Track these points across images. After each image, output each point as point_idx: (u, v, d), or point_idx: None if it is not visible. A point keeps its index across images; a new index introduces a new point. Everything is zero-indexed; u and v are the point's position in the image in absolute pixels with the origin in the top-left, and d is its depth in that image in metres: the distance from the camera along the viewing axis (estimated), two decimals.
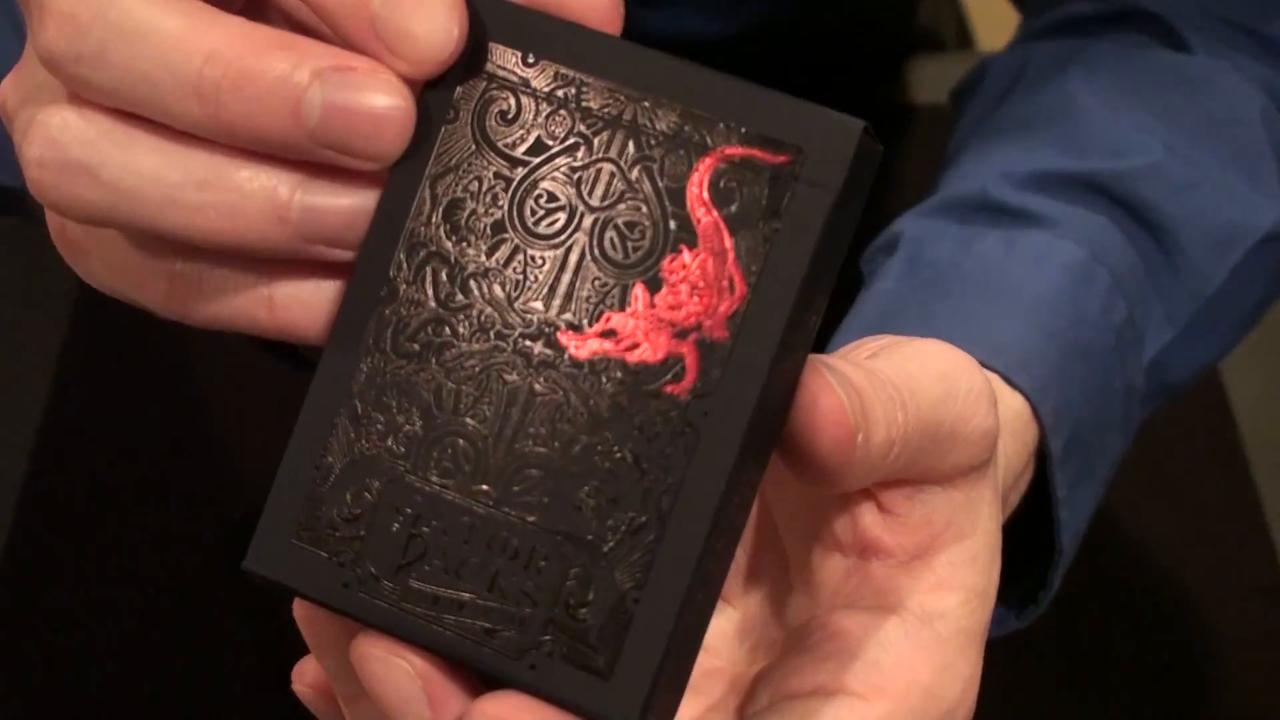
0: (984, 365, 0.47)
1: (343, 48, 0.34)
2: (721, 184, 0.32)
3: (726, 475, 0.32)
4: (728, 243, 0.32)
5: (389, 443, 0.33)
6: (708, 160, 0.32)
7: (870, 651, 0.37)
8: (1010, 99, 0.61)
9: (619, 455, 0.32)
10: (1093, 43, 0.61)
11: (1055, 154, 0.56)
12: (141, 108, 0.32)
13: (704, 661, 0.38)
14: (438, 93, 0.33)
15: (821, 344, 0.40)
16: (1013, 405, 0.48)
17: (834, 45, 0.80)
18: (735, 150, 0.32)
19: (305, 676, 0.37)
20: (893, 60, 0.85)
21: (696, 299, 0.32)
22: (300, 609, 0.35)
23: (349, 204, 0.33)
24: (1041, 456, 0.50)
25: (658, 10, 0.72)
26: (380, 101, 0.32)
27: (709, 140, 0.32)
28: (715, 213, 0.32)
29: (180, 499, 0.74)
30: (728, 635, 0.41)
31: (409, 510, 0.33)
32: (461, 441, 0.33)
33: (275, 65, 0.31)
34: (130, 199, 0.33)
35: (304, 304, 0.34)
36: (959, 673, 0.38)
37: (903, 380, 0.36)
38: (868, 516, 0.38)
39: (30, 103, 0.34)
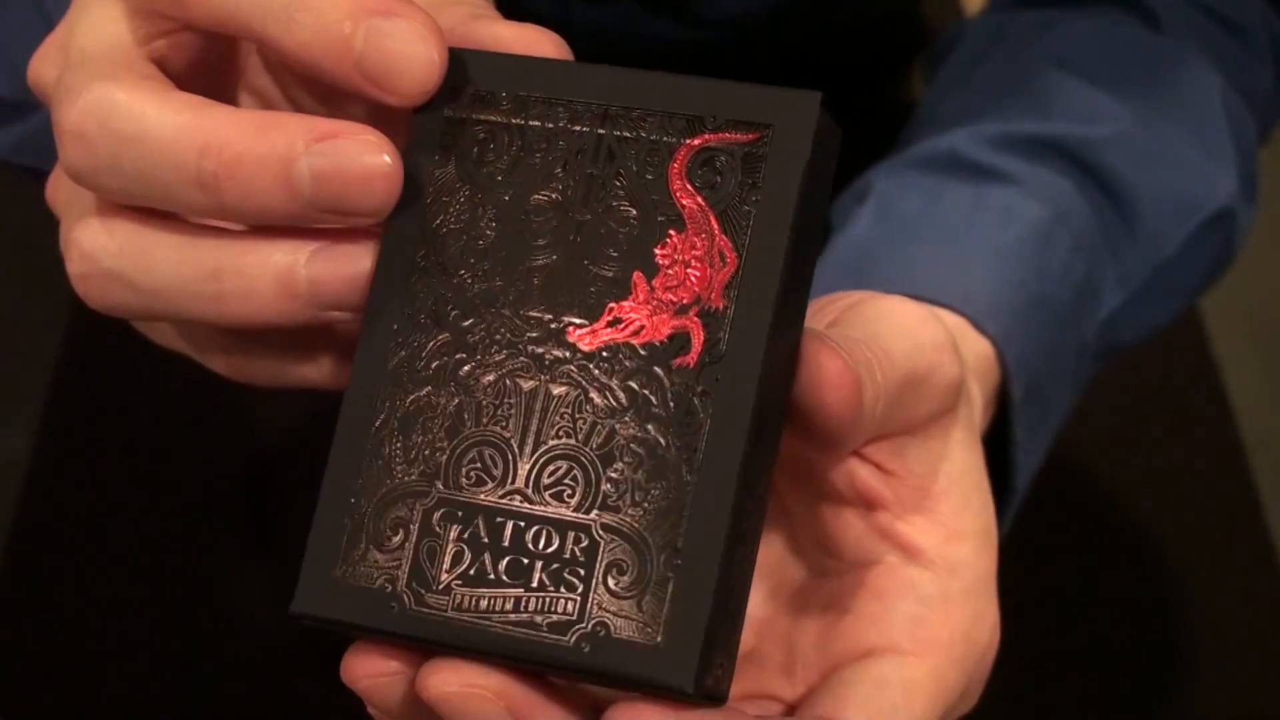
0: (953, 310, 0.50)
1: (331, 93, 0.37)
2: (699, 171, 0.34)
3: (745, 432, 0.33)
4: (713, 222, 0.34)
5: (418, 468, 0.35)
6: (683, 152, 0.34)
7: (912, 609, 0.40)
8: (986, 62, 0.62)
9: (640, 433, 0.34)
10: (1070, 15, 0.63)
11: (1025, 117, 0.58)
12: (157, 204, 0.35)
13: None
14: (420, 142, 0.36)
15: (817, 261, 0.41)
16: (978, 349, 0.50)
17: (835, 45, 0.80)
18: (707, 138, 0.34)
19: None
20: (894, 60, 0.85)
21: (692, 276, 0.34)
22: (361, 680, 0.35)
23: (351, 269, 0.35)
24: (1001, 401, 0.51)
25: None
26: (367, 160, 0.34)
27: (681, 135, 0.35)
28: (698, 197, 0.34)
29: (181, 498, 0.74)
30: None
31: (446, 525, 0.34)
32: (488, 450, 0.34)
33: (263, 147, 0.34)
34: (160, 298, 0.36)
35: (345, 359, 0.37)
36: (987, 617, 0.41)
37: (874, 341, 0.38)
38: (863, 471, 0.40)
39: (69, 212, 0.37)
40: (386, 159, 0.34)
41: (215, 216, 0.35)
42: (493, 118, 0.36)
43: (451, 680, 0.34)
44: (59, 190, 0.38)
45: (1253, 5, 0.64)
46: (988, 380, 0.50)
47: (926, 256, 0.52)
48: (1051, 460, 0.56)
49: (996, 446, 0.52)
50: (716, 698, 0.34)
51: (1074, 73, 0.60)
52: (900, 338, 0.39)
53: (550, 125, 0.35)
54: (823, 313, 0.42)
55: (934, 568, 0.40)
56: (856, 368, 0.37)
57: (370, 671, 0.35)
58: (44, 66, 0.38)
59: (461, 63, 0.36)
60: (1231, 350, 0.86)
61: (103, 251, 0.36)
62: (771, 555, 0.43)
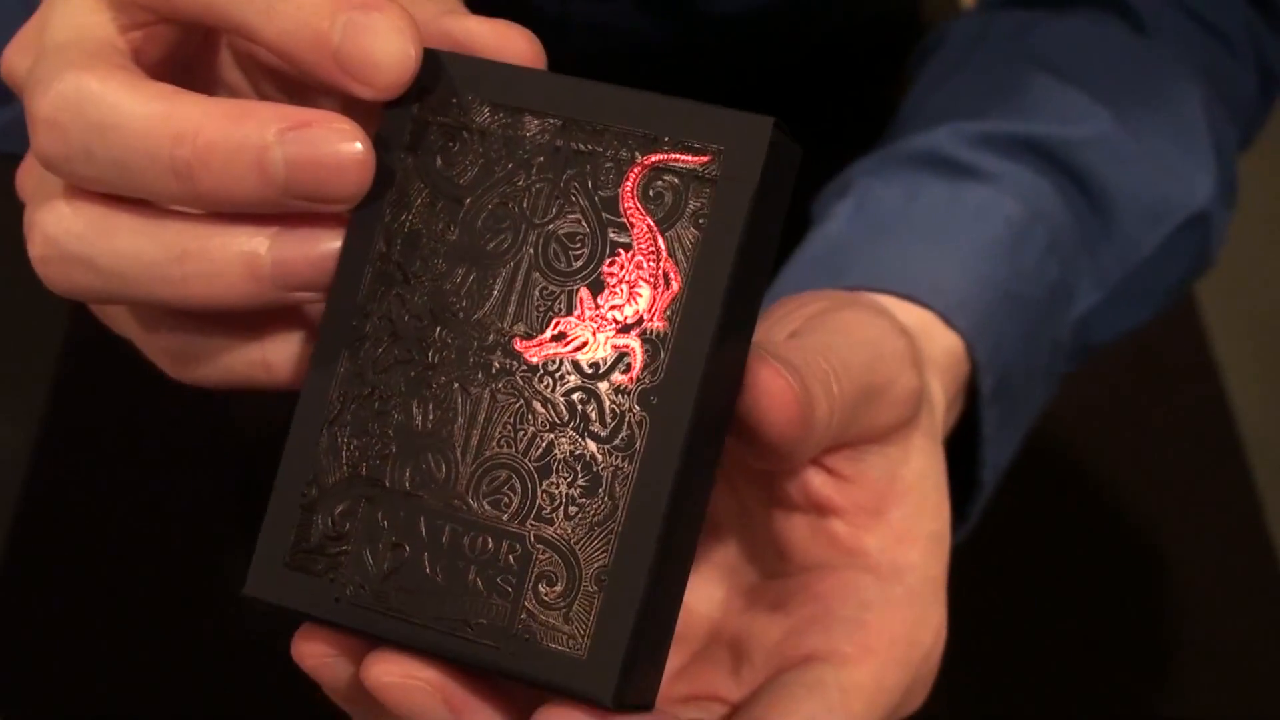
0: (923, 305, 0.50)
1: (308, 85, 0.37)
2: (650, 190, 0.35)
3: (678, 453, 0.34)
4: (660, 243, 0.35)
5: (367, 463, 0.36)
6: (636, 170, 0.35)
7: (853, 612, 0.40)
8: (969, 62, 0.63)
9: (578, 449, 0.35)
10: (1055, 16, 0.63)
11: (1006, 117, 0.58)
12: (129, 192, 0.35)
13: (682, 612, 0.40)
14: (388, 139, 0.36)
15: (769, 278, 0.43)
16: (946, 344, 0.50)
17: (833, 44, 0.80)
18: (660, 157, 0.35)
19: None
20: (892, 60, 0.85)
21: (636, 297, 0.35)
22: (308, 659, 0.36)
23: (315, 251, 0.36)
24: (970, 396, 0.52)
25: None
26: (340, 147, 0.34)
27: (636, 152, 0.35)
28: (647, 218, 0.35)
29: (181, 497, 0.74)
30: (699, 583, 0.43)
31: (390, 523, 0.35)
32: (433, 455, 0.35)
33: (237, 135, 0.34)
34: (123, 280, 0.36)
35: (297, 362, 0.38)
36: (931, 620, 0.41)
37: (831, 354, 0.39)
38: (817, 479, 0.41)
39: (34, 197, 0.37)
40: (359, 146, 0.34)
41: (188, 204, 0.35)
42: (459, 121, 0.36)
43: (393, 670, 0.35)
44: (27, 178, 0.38)
45: (1236, 11, 0.64)
46: (955, 375, 0.50)
47: (900, 252, 0.52)
48: (1050, 459, 0.57)
49: (965, 441, 0.52)
50: (641, 707, 0.35)
51: (1055, 74, 0.60)
52: (860, 349, 0.40)
53: (513, 133, 0.36)
54: (788, 318, 0.43)
55: (878, 570, 0.41)
56: (804, 386, 0.37)
57: (317, 652, 0.36)
58: (18, 57, 0.38)
59: (434, 63, 0.36)
60: (1231, 350, 0.86)
61: (66, 234, 0.36)
62: (728, 556, 0.44)
